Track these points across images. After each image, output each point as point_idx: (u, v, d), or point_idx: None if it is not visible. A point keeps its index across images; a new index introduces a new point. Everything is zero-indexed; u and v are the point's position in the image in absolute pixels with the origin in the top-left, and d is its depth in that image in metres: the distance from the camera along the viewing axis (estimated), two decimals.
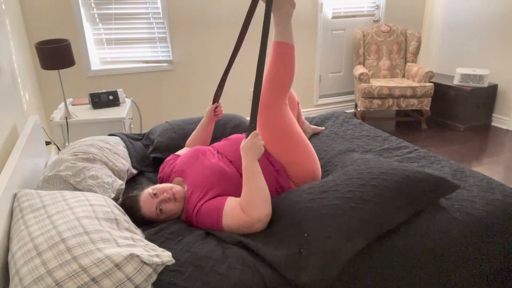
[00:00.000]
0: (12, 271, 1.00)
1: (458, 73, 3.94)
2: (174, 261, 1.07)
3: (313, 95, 4.45)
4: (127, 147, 2.03)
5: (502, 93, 3.97)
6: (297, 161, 1.63)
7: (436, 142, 3.73)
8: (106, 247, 1.01)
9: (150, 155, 2.05)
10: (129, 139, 2.14)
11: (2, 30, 2.20)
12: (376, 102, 3.94)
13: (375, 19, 4.47)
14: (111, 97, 2.74)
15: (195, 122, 2.21)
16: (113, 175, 1.69)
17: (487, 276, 1.46)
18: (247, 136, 1.46)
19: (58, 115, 2.60)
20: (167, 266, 1.19)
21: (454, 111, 4.03)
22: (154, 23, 3.57)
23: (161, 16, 3.55)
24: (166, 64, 3.70)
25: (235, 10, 3.78)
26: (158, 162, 2.03)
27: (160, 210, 1.46)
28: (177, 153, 1.86)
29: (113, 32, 3.48)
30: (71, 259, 0.96)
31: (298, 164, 1.63)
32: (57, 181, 1.54)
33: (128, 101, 2.91)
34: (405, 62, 4.31)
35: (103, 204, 1.26)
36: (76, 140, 2.49)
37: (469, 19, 4.14)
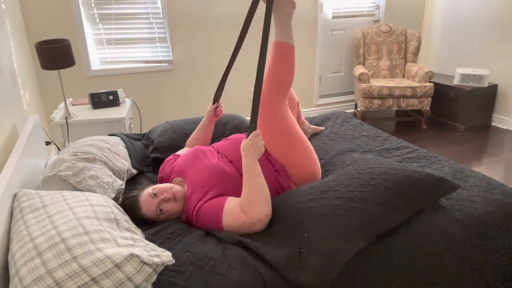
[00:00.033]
0: (12, 271, 1.00)
1: (458, 73, 3.94)
2: (174, 261, 1.07)
3: (313, 95, 4.46)
4: (127, 147, 2.03)
5: (502, 93, 3.97)
6: (297, 161, 1.63)
7: (436, 142, 3.73)
8: (106, 247, 1.01)
9: (150, 155, 2.05)
10: (129, 139, 2.14)
11: (2, 30, 2.20)
12: (376, 102, 3.94)
13: (375, 19, 4.47)
14: (111, 97, 2.74)
15: (195, 122, 2.21)
16: (113, 175, 1.69)
17: (487, 276, 1.46)
18: (247, 136, 1.46)
19: (58, 115, 2.60)
20: (167, 266, 1.19)
21: (454, 111, 4.03)
22: (154, 23, 3.57)
23: (161, 16, 3.55)
24: (166, 64, 3.70)
25: (235, 10, 3.78)
26: (158, 162, 2.03)
27: (160, 210, 1.46)
28: (177, 153, 1.86)
29: (113, 32, 3.48)
30: (71, 259, 0.96)
31: (298, 164, 1.63)
32: (57, 181, 1.54)
33: (128, 101, 2.91)
34: (405, 62, 4.31)
35: (103, 204, 1.26)
36: (76, 140, 2.49)
37: (469, 19, 4.14)
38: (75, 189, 1.53)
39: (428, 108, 3.96)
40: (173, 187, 1.51)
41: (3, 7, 2.45)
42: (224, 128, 2.23)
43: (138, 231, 1.29)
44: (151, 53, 3.65)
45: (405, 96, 3.89)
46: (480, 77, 3.83)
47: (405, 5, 4.54)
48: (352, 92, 4.66)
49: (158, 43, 3.63)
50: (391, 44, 4.27)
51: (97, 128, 2.58)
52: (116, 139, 2.05)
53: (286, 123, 1.63)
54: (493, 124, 4.10)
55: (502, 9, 3.82)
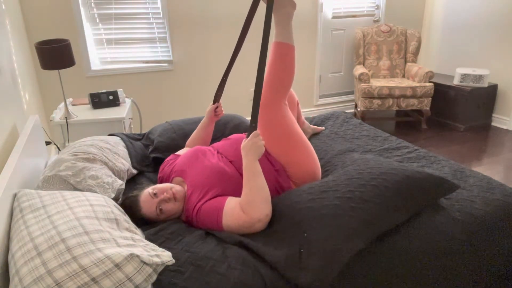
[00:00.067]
0: (12, 271, 1.00)
1: (458, 73, 3.94)
2: (174, 261, 1.07)
3: (313, 95, 4.46)
4: (127, 147, 2.03)
5: (502, 93, 3.97)
6: (297, 161, 1.63)
7: (436, 142, 3.73)
8: (106, 247, 1.01)
9: (150, 155, 2.05)
10: (129, 139, 2.14)
11: (2, 30, 2.20)
12: (376, 102, 3.94)
13: (375, 19, 4.47)
14: (111, 97, 2.74)
15: (195, 122, 2.21)
16: (113, 175, 1.69)
17: (487, 276, 1.46)
18: (247, 136, 1.46)
19: (58, 115, 2.60)
20: (167, 266, 1.19)
21: (454, 111, 4.03)
22: (154, 23, 3.57)
23: (161, 16, 3.55)
24: (166, 64, 3.70)
25: (235, 10, 3.78)
26: (158, 162, 2.03)
27: (160, 210, 1.46)
28: (177, 153, 1.86)
29: (113, 32, 3.48)
30: (71, 259, 0.96)
31: (298, 164, 1.63)
32: (57, 181, 1.54)
33: (128, 101, 2.91)
34: (405, 62, 4.31)
35: (103, 204, 1.26)
36: (76, 140, 2.49)
37: (469, 19, 4.14)
38: (75, 189, 1.53)
39: (428, 108, 3.96)
40: (173, 187, 1.51)
41: (3, 7, 2.45)
42: (224, 128, 2.23)
43: (138, 231, 1.29)
44: (151, 53, 3.65)
45: (405, 96, 3.89)
46: (480, 77, 3.83)
47: (405, 5, 4.54)
48: (352, 92, 4.66)
49: (158, 43, 3.63)
50: (391, 44, 4.27)
51: (97, 128, 2.58)
52: (116, 139, 2.05)
53: (286, 123, 1.63)
54: (493, 124, 4.10)
55: (502, 9, 3.82)
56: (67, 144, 2.59)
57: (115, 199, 1.59)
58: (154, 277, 1.02)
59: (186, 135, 2.11)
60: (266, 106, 1.61)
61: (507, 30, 3.80)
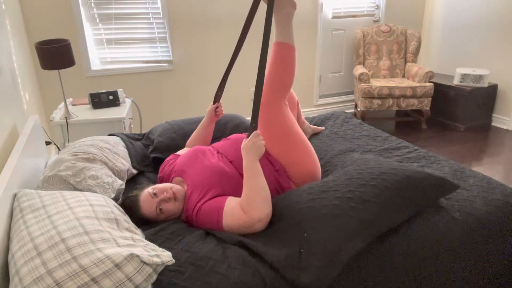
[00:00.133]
0: (12, 271, 1.00)
1: (458, 73, 3.94)
2: (174, 261, 1.07)
3: (313, 95, 4.46)
4: (127, 147, 2.03)
5: (502, 93, 3.97)
6: (297, 161, 1.63)
7: (436, 142, 3.73)
8: (106, 247, 1.01)
9: (150, 155, 2.05)
10: (129, 139, 2.14)
11: (2, 30, 2.20)
12: (376, 102, 3.94)
13: (375, 19, 4.47)
14: (111, 97, 2.74)
15: (195, 122, 2.21)
16: (113, 175, 1.69)
17: (487, 276, 1.46)
18: (248, 136, 1.46)
19: (58, 115, 2.60)
20: (167, 266, 1.19)
21: (454, 111, 4.03)
22: (154, 23, 3.57)
23: (161, 16, 3.55)
24: (166, 64, 3.70)
25: (235, 10, 3.78)
26: (158, 162, 2.03)
27: (160, 209, 1.46)
28: (177, 153, 1.86)
29: (113, 32, 3.48)
30: (71, 259, 0.96)
31: (298, 164, 1.63)
32: (57, 181, 1.54)
33: (128, 101, 2.91)
34: (405, 62, 4.31)
35: (103, 204, 1.26)
36: (76, 140, 2.49)
37: (469, 19, 4.14)
38: (75, 189, 1.53)
39: (428, 108, 3.96)
40: (173, 187, 1.51)
41: (3, 7, 2.45)
42: (224, 128, 2.23)
43: (138, 231, 1.29)
44: (151, 53, 3.65)
45: (405, 96, 3.89)
46: (480, 77, 3.83)
47: (405, 5, 4.54)
48: (352, 92, 4.66)
49: (158, 43, 3.63)
50: (391, 44, 4.27)
51: (97, 128, 2.58)
52: (116, 139, 2.05)
53: (286, 123, 1.63)
54: (493, 124, 4.10)
55: (502, 9, 3.82)
56: (67, 144, 2.59)
57: (115, 199, 1.59)
58: (154, 277, 1.02)
59: (186, 135, 2.11)
60: (267, 106, 1.61)
61: (507, 30, 3.80)
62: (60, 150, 2.62)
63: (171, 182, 1.66)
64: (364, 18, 4.43)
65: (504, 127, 4.00)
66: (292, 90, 2.07)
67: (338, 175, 1.54)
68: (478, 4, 4.02)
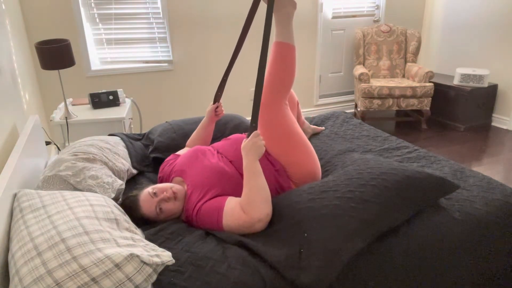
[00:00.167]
0: (12, 271, 1.00)
1: (458, 73, 3.94)
2: (174, 261, 1.07)
3: (313, 95, 4.46)
4: (127, 147, 2.03)
5: (502, 93, 3.97)
6: (297, 161, 1.63)
7: (436, 142, 3.73)
8: (106, 247, 1.01)
9: (150, 155, 2.05)
10: (129, 139, 2.14)
11: (2, 30, 2.20)
12: (376, 102, 3.94)
13: (375, 19, 4.47)
14: (111, 97, 2.74)
15: (195, 122, 2.21)
16: (113, 175, 1.69)
17: (487, 276, 1.46)
18: (248, 136, 1.46)
19: (58, 115, 2.60)
20: (167, 266, 1.19)
21: (454, 111, 4.03)
22: (154, 23, 3.57)
23: (161, 16, 3.55)
24: (166, 64, 3.70)
25: (235, 10, 3.78)
26: (158, 162, 2.03)
27: (160, 209, 1.46)
28: (177, 153, 1.86)
29: (113, 32, 3.48)
30: (71, 259, 0.96)
31: (298, 164, 1.63)
32: (57, 181, 1.54)
33: (128, 101, 2.91)
34: (405, 62, 4.31)
35: (103, 204, 1.26)
36: (76, 140, 2.49)
37: (469, 19, 4.14)
38: (75, 189, 1.53)
39: (428, 108, 3.96)
40: (173, 186, 1.51)
41: (3, 7, 2.45)
42: (224, 128, 2.23)
43: (138, 231, 1.29)
44: (151, 53, 3.65)
45: (405, 96, 3.89)
46: (480, 77, 3.83)
47: (405, 5, 4.54)
48: (352, 92, 4.66)
49: (158, 43, 3.63)
50: (391, 44, 4.27)
51: (97, 128, 2.57)
52: (116, 139, 2.05)
53: (287, 123, 1.63)
54: (493, 124, 4.10)
55: (502, 9, 3.82)
56: (67, 144, 2.59)
57: (115, 199, 1.59)
58: (154, 277, 1.02)
59: (186, 135, 2.11)
60: (267, 106, 1.61)
61: (507, 30, 3.80)
62: (60, 150, 2.62)
63: (171, 182, 1.66)
64: (364, 18, 4.43)
65: (504, 127, 4.00)
66: (292, 90, 2.07)
67: (338, 175, 1.54)
68: (478, 4, 4.02)
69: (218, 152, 1.70)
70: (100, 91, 2.74)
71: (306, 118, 2.54)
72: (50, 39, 2.38)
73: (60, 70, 2.40)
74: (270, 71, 1.63)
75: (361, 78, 3.91)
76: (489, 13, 3.93)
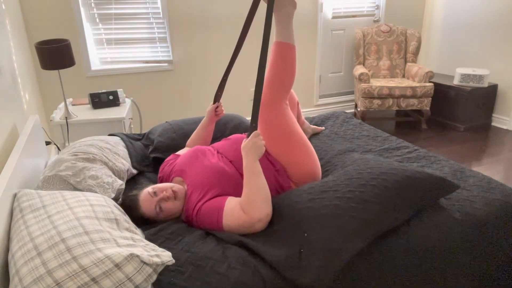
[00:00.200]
0: (12, 271, 1.00)
1: (458, 73, 3.94)
2: (174, 261, 1.07)
3: (313, 95, 4.45)
4: (127, 147, 2.03)
5: (502, 93, 3.97)
6: (297, 161, 1.63)
7: (436, 142, 3.73)
8: (106, 247, 1.01)
9: (150, 155, 2.05)
10: (129, 139, 2.14)
11: (2, 30, 2.20)
12: (376, 102, 3.94)
13: (375, 19, 4.47)
14: (111, 97, 2.74)
15: (195, 122, 2.21)
16: (113, 175, 1.69)
17: (487, 276, 1.46)
18: (248, 136, 1.46)
19: (58, 115, 2.60)
20: (167, 266, 1.19)
21: (454, 111, 4.03)
22: (154, 23, 3.57)
23: (161, 16, 3.55)
24: (166, 64, 3.70)
25: (235, 10, 3.78)
26: (158, 162, 2.03)
27: (160, 208, 1.46)
28: (177, 153, 1.86)
29: (113, 32, 3.48)
30: (71, 259, 0.96)
31: (298, 164, 1.63)
32: (57, 181, 1.54)
33: (128, 101, 2.91)
34: (405, 62, 4.31)
35: (103, 204, 1.26)
36: (76, 140, 2.49)
37: (469, 19, 4.14)
38: (75, 189, 1.53)
39: (428, 108, 3.96)
40: (174, 186, 1.51)
41: (3, 7, 2.45)
42: (224, 128, 2.23)
43: (138, 231, 1.28)
44: (151, 53, 3.65)
45: (405, 96, 3.89)
46: (480, 77, 3.83)
47: (405, 5, 4.54)
48: (352, 92, 4.65)
49: (158, 43, 3.63)
50: (391, 44, 4.27)
51: (97, 128, 2.57)
52: (116, 139, 2.05)
53: (287, 123, 1.63)
54: (493, 124, 4.10)
55: (502, 9, 3.82)
56: (67, 144, 2.59)
57: (115, 199, 1.59)
58: (154, 277, 1.02)
59: (186, 135, 2.11)
60: (267, 106, 1.61)
61: (507, 30, 3.80)
62: (60, 150, 2.62)
63: (171, 182, 1.66)
64: (364, 18, 4.43)
65: (504, 127, 4.00)
66: (292, 90, 2.07)
67: (338, 175, 1.54)
68: (478, 4, 4.02)
69: (218, 152, 1.70)
70: (100, 91, 2.74)
71: (306, 118, 2.54)
72: (50, 39, 2.38)
73: (60, 70, 2.40)
74: (270, 71, 1.63)
75: (361, 78, 3.91)
76: (489, 13, 3.93)
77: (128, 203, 1.48)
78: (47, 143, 2.33)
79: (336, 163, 1.83)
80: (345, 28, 4.37)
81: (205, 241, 1.34)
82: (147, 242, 1.13)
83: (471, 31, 4.14)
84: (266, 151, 1.66)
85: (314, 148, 2.08)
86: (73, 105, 2.83)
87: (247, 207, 1.36)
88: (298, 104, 2.15)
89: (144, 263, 0.99)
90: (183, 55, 3.73)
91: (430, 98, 3.92)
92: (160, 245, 1.30)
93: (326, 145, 2.10)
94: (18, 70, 2.59)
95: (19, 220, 1.16)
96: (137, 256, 0.99)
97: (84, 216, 1.13)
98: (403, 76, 4.30)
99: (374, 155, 1.81)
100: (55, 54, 2.28)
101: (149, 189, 1.50)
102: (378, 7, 4.44)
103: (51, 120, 2.54)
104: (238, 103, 4.10)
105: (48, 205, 1.20)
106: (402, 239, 1.34)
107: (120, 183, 1.65)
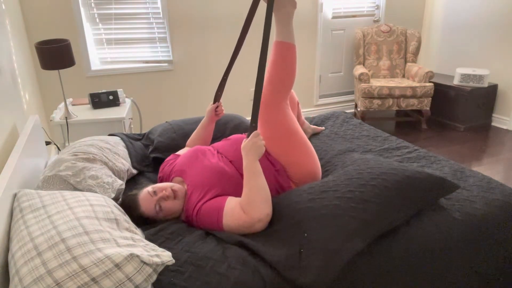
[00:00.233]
0: (12, 271, 1.00)
1: (458, 73, 3.94)
2: (174, 261, 1.07)
3: (313, 95, 4.46)
4: (127, 147, 2.03)
5: (502, 93, 3.97)
6: (298, 161, 1.63)
7: (436, 142, 3.73)
8: (106, 247, 1.01)
9: (150, 155, 2.05)
10: (129, 139, 2.14)
11: (2, 30, 2.20)
12: (376, 102, 3.94)
13: (375, 19, 4.47)
14: (111, 97, 2.74)
15: (195, 122, 2.21)
16: (113, 175, 1.69)
17: (487, 275, 1.46)
18: (248, 136, 1.46)
19: (58, 115, 2.60)
20: (167, 266, 1.19)
21: (454, 111, 4.03)
22: (154, 23, 3.57)
23: (161, 16, 3.55)
24: (166, 64, 3.70)
25: (235, 10, 3.78)
26: (158, 162, 2.03)
27: (159, 207, 1.46)
28: (177, 153, 1.86)
29: (113, 32, 3.48)
30: (71, 259, 0.96)
31: (298, 164, 1.63)
32: (57, 181, 1.54)
33: (128, 101, 2.91)
34: (405, 62, 4.31)
35: (103, 204, 1.26)
36: (76, 140, 2.49)
37: (469, 19, 4.14)
38: (75, 189, 1.53)
39: (428, 108, 3.96)
40: (173, 185, 1.51)
41: (3, 7, 2.45)
42: (224, 128, 2.23)
43: (138, 231, 1.28)
44: (151, 53, 3.65)
45: (405, 96, 3.89)
46: (480, 77, 3.83)
47: (405, 5, 4.54)
48: (352, 92, 4.65)
49: (158, 43, 3.63)
50: (391, 44, 4.27)
51: (97, 128, 2.57)
52: (116, 139, 2.05)
53: (288, 123, 1.63)
54: (493, 124, 4.10)
55: (502, 9, 3.82)
56: (67, 144, 2.59)
57: (115, 199, 1.59)
58: (154, 277, 1.02)
59: (186, 135, 2.11)
60: (268, 106, 1.61)
61: (507, 30, 3.80)
62: (60, 150, 2.62)
63: (171, 182, 1.66)
64: (364, 18, 4.43)
65: (504, 127, 4.00)
66: (292, 90, 2.07)
67: (338, 175, 1.54)
68: (478, 4, 4.02)
69: (218, 152, 1.70)
70: (100, 91, 2.74)
71: (306, 118, 2.54)
72: (50, 39, 2.38)
73: (60, 70, 2.40)
74: (271, 71, 1.63)
75: (361, 78, 3.91)
76: (489, 13, 3.93)
77: (127, 203, 1.49)
78: (47, 143, 2.33)
79: (336, 163, 1.83)
80: (345, 28, 4.37)
81: (205, 241, 1.34)
82: (147, 242, 1.13)
83: (471, 31, 4.14)
84: (266, 151, 1.66)
85: (314, 148, 2.08)
86: (73, 105, 2.83)
87: (247, 207, 1.36)
88: (298, 104, 2.15)
89: (144, 263, 0.99)
90: (183, 55, 3.73)
91: (430, 98, 3.92)
92: (160, 245, 1.30)
93: (326, 145, 2.10)
94: (18, 70, 2.59)
95: (19, 220, 1.16)
96: (137, 256, 0.99)
97: (84, 216, 1.13)
98: (403, 76, 4.30)
99: (374, 155, 1.81)
100: (55, 54, 2.28)
101: (149, 188, 1.50)
102: (378, 7, 4.44)
103: (51, 120, 2.54)
104: (238, 103, 4.10)
105: (48, 205, 1.20)
106: (402, 239, 1.34)
107: (120, 183, 1.65)
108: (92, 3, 3.34)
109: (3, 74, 1.92)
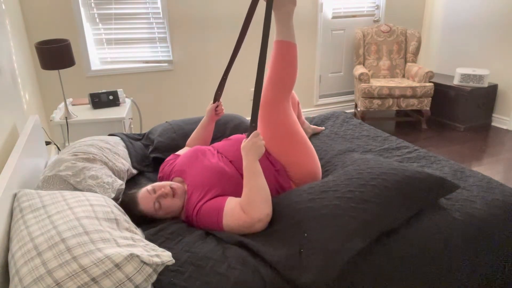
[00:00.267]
0: (12, 271, 1.00)
1: (458, 73, 3.94)
2: (174, 261, 1.07)
3: (313, 95, 4.45)
4: (127, 147, 2.03)
5: (502, 93, 3.97)
6: (298, 161, 1.63)
7: (436, 142, 3.73)
8: (106, 247, 1.01)
9: (150, 155, 2.05)
10: (129, 139, 2.14)
11: (2, 30, 2.20)
12: (376, 102, 3.94)
13: (375, 19, 4.47)
14: (111, 97, 2.74)
15: (195, 122, 2.21)
16: (113, 175, 1.69)
17: (486, 276, 1.46)
18: (248, 136, 1.45)
19: (58, 115, 2.60)
20: (167, 266, 1.19)
21: (454, 111, 4.03)
22: (154, 23, 3.57)
23: (161, 16, 3.55)
24: (166, 64, 3.70)
25: (235, 10, 3.78)
26: (158, 162, 2.03)
27: (159, 204, 1.45)
28: (177, 153, 1.86)
29: (113, 32, 3.48)
30: (71, 259, 0.96)
31: (298, 164, 1.63)
32: (57, 181, 1.54)
33: (128, 101, 2.91)
34: (405, 62, 4.31)
35: (103, 204, 1.26)
36: (76, 140, 2.49)
37: (469, 19, 4.14)
38: (75, 189, 1.53)
39: (428, 108, 3.96)
40: (172, 184, 1.51)
41: (3, 7, 2.45)
42: (224, 128, 2.23)
43: (138, 231, 1.28)
44: (151, 53, 3.65)
45: (405, 96, 3.89)
46: (480, 77, 3.83)
47: (405, 5, 4.54)
48: (352, 92, 4.65)
49: (158, 43, 3.63)
50: (391, 44, 4.27)
51: (97, 128, 2.57)
52: (116, 139, 2.05)
53: (289, 123, 1.63)
54: (493, 124, 4.10)
55: (502, 9, 3.82)
56: (67, 144, 2.59)
57: (115, 199, 1.59)
58: (154, 277, 1.02)
59: (186, 135, 2.11)
60: (269, 106, 1.61)
61: (507, 30, 3.80)
62: (60, 150, 2.62)
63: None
64: (364, 18, 4.43)
65: (504, 127, 4.00)
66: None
67: (338, 175, 1.53)
68: (478, 4, 4.02)
69: (218, 152, 1.69)
70: (100, 91, 2.74)
71: (306, 118, 2.54)
72: (50, 39, 2.38)
73: (60, 70, 2.40)
74: (272, 70, 1.63)
75: (361, 78, 3.91)
76: (489, 13, 3.93)
77: (127, 201, 1.49)
78: (47, 143, 2.33)
79: (336, 163, 1.83)
80: (345, 28, 4.37)
81: (205, 241, 1.34)
82: (147, 242, 1.13)
83: (471, 31, 4.14)
84: (266, 151, 1.66)
85: (314, 148, 2.08)
86: (73, 105, 2.83)
87: (247, 207, 1.35)
88: (298, 104, 2.15)
89: (144, 263, 0.99)
90: (183, 55, 3.73)
91: (430, 98, 3.92)
92: (160, 245, 1.30)
93: (326, 145, 2.10)
94: (18, 70, 2.59)
95: (19, 220, 1.16)
96: (137, 256, 0.99)
97: (84, 216, 1.13)
98: (403, 76, 4.30)
99: (374, 155, 1.81)
100: (55, 54, 2.28)
101: (148, 187, 1.50)
102: (378, 7, 4.44)
103: (51, 120, 2.54)
104: (238, 103, 4.10)
105: (48, 205, 1.20)
106: (402, 239, 1.34)
107: (120, 183, 1.65)
108: (92, 3, 3.34)
109: (3, 74, 1.92)
